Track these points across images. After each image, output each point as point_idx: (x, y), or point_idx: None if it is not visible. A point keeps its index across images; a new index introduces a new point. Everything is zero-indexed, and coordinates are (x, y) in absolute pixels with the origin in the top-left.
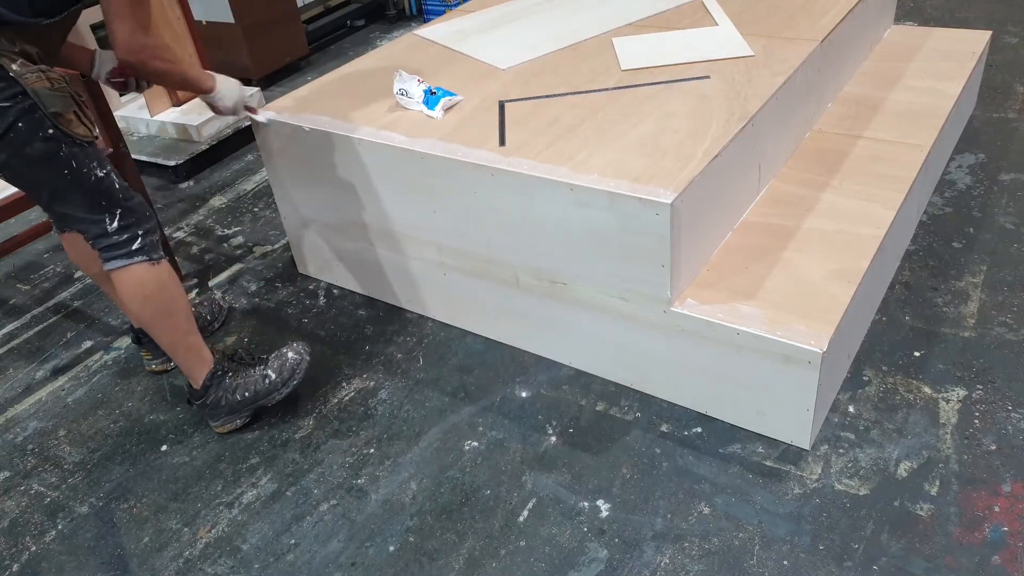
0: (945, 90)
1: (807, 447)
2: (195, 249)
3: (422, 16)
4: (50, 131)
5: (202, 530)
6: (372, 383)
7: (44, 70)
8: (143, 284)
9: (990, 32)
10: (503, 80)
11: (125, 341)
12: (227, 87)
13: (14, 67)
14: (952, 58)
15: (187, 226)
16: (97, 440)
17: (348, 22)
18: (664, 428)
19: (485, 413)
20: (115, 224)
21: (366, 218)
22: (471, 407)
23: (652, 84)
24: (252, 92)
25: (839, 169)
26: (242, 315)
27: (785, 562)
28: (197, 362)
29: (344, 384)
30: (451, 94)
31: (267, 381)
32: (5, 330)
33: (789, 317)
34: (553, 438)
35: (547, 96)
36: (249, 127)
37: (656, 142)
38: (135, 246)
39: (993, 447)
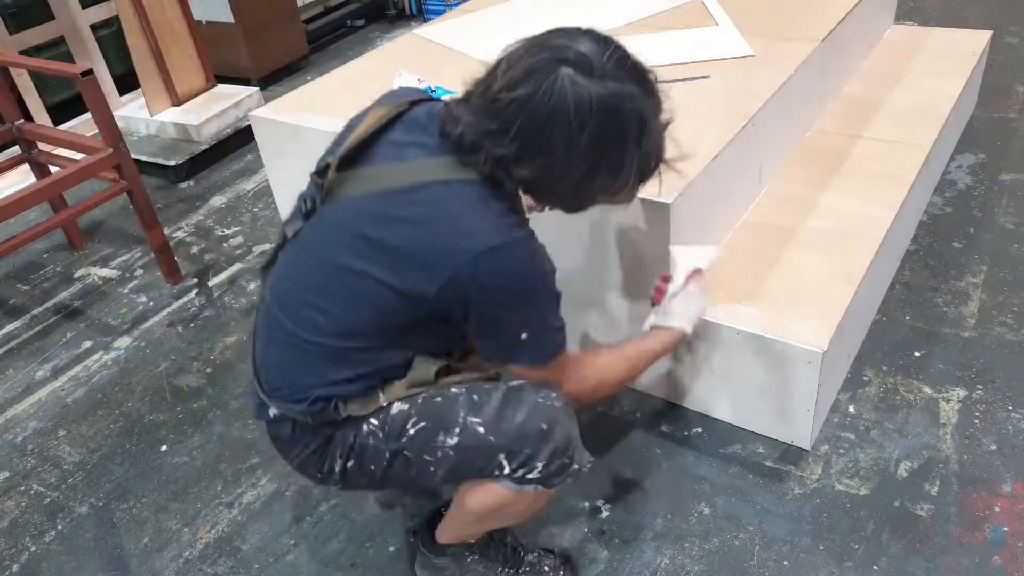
0: (945, 90)
1: (807, 447)
2: (195, 249)
3: (422, 16)
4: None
5: (202, 530)
6: None
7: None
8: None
9: (990, 32)
10: None
11: (125, 341)
12: (688, 318)
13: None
14: (952, 58)
15: (187, 226)
16: (97, 440)
17: (348, 22)
18: (664, 428)
19: None
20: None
21: None
22: None
23: None
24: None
25: (839, 169)
26: (242, 315)
27: (785, 562)
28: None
29: None
30: (451, 93)
31: None
32: (5, 330)
33: (789, 317)
34: None
35: None
36: (249, 127)
37: None
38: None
39: (993, 447)
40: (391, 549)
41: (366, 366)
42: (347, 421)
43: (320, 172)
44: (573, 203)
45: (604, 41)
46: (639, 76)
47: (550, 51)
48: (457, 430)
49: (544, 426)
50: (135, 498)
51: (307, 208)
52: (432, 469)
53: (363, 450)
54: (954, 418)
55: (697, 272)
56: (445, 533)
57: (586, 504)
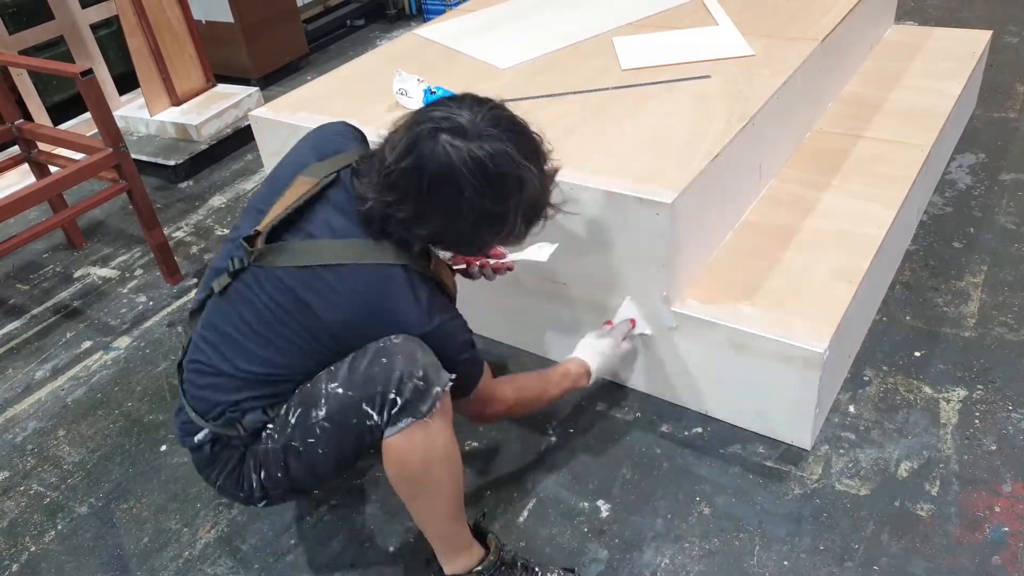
0: (946, 90)
1: (808, 447)
2: (195, 249)
3: (422, 16)
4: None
5: (202, 530)
6: None
7: None
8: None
9: (990, 32)
10: (503, 80)
11: (125, 341)
12: (599, 364)
13: None
14: (952, 58)
15: (187, 226)
16: (97, 440)
17: (348, 22)
18: (664, 428)
19: None
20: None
21: None
22: None
23: (652, 84)
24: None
25: (839, 169)
26: None
27: (785, 562)
28: (454, 553)
29: None
30: (451, 94)
31: None
32: (5, 330)
33: (789, 317)
34: (553, 438)
35: (547, 96)
36: (248, 127)
37: (656, 142)
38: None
39: (993, 447)
40: (391, 549)
41: (286, 387)
42: (254, 435)
43: (249, 239)
44: (470, 249)
45: (479, 103)
46: (515, 132)
47: (429, 122)
48: (323, 401)
49: (384, 360)
50: (135, 498)
51: (235, 267)
52: (320, 451)
53: (266, 456)
54: (954, 418)
55: (631, 323)
56: (441, 556)
57: (586, 504)
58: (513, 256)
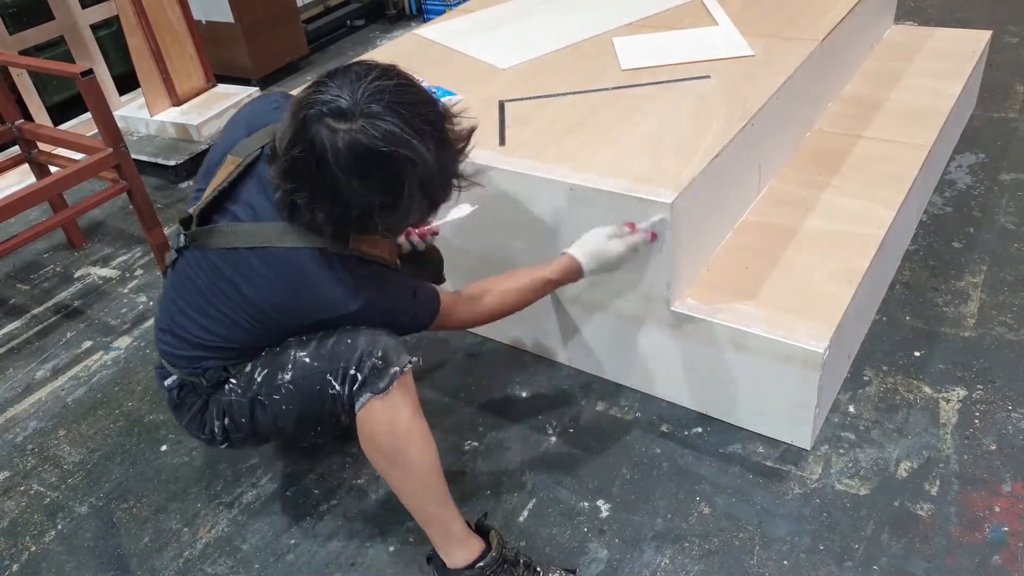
0: (945, 90)
1: (807, 447)
2: None
3: (422, 16)
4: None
5: (202, 530)
6: None
7: None
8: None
9: (990, 32)
10: (503, 80)
11: (125, 341)
12: (596, 259)
13: None
14: (952, 58)
15: None
16: (97, 440)
17: (348, 22)
18: (664, 428)
19: (485, 413)
20: None
21: None
22: (471, 407)
23: (652, 84)
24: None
25: (839, 169)
26: None
27: (785, 562)
28: (451, 544)
29: None
30: (451, 94)
31: None
32: (5, 330)
33: (789, 317)
34: (553, 438)
35: (547, 96)
36: None
37: (656, 142)
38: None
39: (993, 447)
40: (391, 549)
41: (241, 352)
42: (216, 386)
43: (184, 222)
44: (375, 232)
45: (361, 76)
46: (403, 105)
47: (311, 106)
48: (290, 366)
49: (349, 340)
50: (135, 498)
51: (180, 245)
52: (284, 407)
53: (230, 406)
54: (954, 418)
55: (642, 232)
56: (439, 548)
57: (586, 504)
58: (437, 220)
